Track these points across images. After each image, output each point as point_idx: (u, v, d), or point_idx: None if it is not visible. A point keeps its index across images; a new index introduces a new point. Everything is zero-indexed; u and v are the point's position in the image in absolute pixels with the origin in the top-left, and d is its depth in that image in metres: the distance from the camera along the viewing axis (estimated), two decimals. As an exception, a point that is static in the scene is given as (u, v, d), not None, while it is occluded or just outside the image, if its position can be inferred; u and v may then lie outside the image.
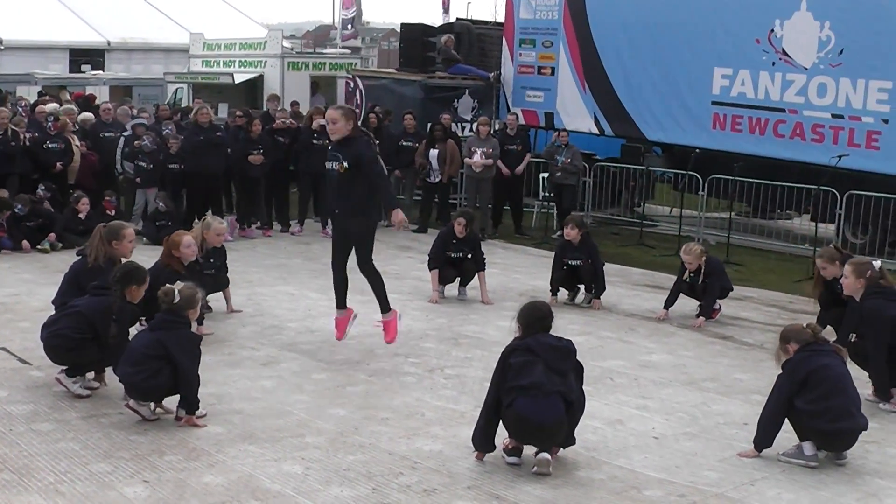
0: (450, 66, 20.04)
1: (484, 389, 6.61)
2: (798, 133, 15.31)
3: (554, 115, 18.64)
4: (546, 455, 6.23)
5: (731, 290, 10.96)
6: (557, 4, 18.49)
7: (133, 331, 7.50)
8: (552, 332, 6.45)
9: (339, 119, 8.48)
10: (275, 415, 7.20)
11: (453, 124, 17.71)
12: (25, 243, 13.26)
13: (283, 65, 22.59)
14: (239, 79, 23.26)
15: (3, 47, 28.30)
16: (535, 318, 6.42)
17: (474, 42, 21.10)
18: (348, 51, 27.60)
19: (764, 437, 6.65)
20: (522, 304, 6.72)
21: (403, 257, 13.67)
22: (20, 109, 16.59)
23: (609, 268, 11.72)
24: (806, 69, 15.10)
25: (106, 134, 15.78)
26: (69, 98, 20.92)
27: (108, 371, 7.42)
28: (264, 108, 17.90)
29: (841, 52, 14.69)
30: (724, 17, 16.13)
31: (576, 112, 18.28)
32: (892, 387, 7.80)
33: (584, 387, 6.52)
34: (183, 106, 20.55)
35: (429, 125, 16.59)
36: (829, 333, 8.30)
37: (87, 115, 16.91)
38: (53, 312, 7.75)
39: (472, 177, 16.03)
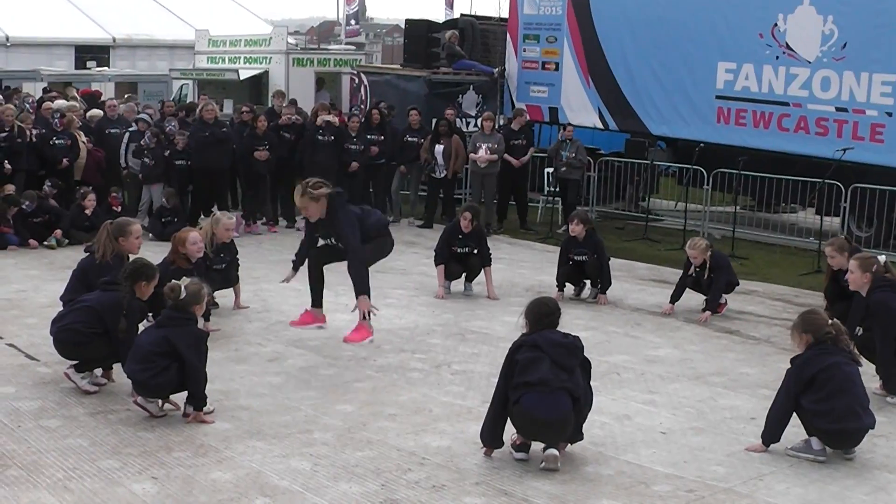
0: (454, 61, 20.01)
1: (491, 385, 6.62)
2: (802, 127, 15.29)
3: (558, 110, 18.63)
4: (554, 451, 6.23)
5: (737, 284, 10.95)
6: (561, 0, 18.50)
7: (140, 327, 7.50)
8: (559, 327, 6.46)
9: (308, 205, 8.84)
10: (282, 411, 7.21)
11: (458, 120, 17.70)
12: (33, 241, 13.30)
13: (287, 61, 22.55)
14: (244, 75, 23.24)
15: (8, 44, 28.33)
16: (542, 313, 6.42)
17: (478, 38, 21.08)
18: (353, 47, 27.54)
19: (772, 433, 6.65)
20: (529, 299, 6.72)
21: (409, 253, 13.64)
22: (27, 106, 16.61)
23: (614, 262, 11.71)
24: (809, 63, 15.08)
25: (111, 130, 15.82)
26: (76, 94, 20.92)
27: (116, 367, 7.43)
28: (269, 105, 17.90)
29: (844, 45, 14.66)
30: (727, 11, 16.11)
31: (580, 107, 18.27)
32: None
33: (591, 382, 6.52)
34: (188, 102, 20.54)
35: (434, 121, 16.57)
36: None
37: (96, 111, 16.92)
38: (61, 309, 7.78)
39: (477, 172, 16.03)
